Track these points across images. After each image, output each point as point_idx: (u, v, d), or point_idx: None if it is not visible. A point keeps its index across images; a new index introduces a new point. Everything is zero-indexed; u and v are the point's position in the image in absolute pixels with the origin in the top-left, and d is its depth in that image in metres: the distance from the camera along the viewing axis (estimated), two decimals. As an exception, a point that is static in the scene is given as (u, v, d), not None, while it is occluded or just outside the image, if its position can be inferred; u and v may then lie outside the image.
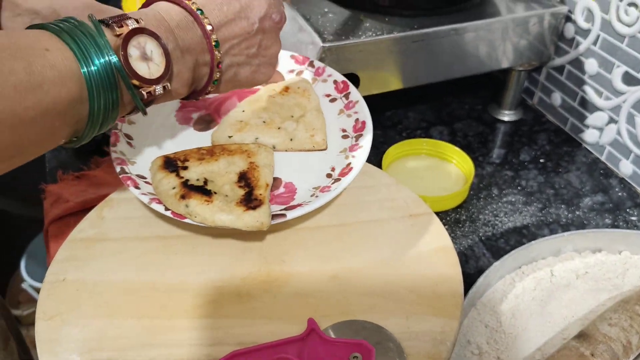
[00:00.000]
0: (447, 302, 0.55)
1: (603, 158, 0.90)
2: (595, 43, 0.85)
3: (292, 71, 0.74)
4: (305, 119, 0.68)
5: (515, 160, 0.90)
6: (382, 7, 0.83)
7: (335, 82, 0.72)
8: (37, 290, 1.29)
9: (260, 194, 0.57)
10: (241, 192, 0.58)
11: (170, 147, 0.66)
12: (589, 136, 0.91)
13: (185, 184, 0.57)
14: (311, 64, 0.74)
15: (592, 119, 0.90)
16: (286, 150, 0.67)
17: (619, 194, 0.85)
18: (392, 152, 0.84)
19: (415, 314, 0.53)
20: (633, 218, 0.81)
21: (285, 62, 0.74)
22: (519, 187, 0.84)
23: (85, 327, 0.52)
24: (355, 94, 0.70)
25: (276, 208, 0.59)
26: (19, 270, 1.60)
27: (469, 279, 0.62)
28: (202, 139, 0.68)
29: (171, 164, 0.60)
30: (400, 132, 0.95)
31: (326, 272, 0.58)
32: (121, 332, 0.51)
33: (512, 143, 0.94)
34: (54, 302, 0.54)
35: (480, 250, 0.74)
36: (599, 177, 0.87)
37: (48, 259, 0.72)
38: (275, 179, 0.63)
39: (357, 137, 0.66)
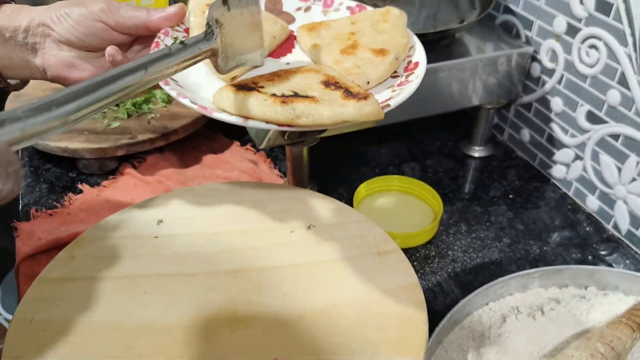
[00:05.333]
0: (411, 341, 0.55)
1: (570, 193, 0.92)
2: (560, 82, 0.87)
3: (299, 9, 0.72)
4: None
5: (484, 196, 0.92)
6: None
7: (349, 7, 0.71)
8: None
9: (359, 90, 0.53)
10: (338, 92, 0.53)
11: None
12: (557, 172, 0.94)
13: (276, 95, 0.52)
14: None
15: (559, 155, 0.92)
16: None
17: (587, 228, 0.86)
18: (363, 189, 0.86)
19: (380, 353, 0.54)
20: (601, 252, 0.82)
21: (290, 1, 0.72)
22: (488, 223, 0.86)
23: (50, 369, 0.52)
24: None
25: None
26: (-7, 303, 1.58)
27: (438, 315, 0.63)
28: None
29: (244, 87, 0.53)
30: (373, 168, 0.96)
31: (294, 312, 0.58)
32: (86, 374, 0.51)
33: (482, 179, 0.96)
34: (21, 342, 0.54)
35: (448, 286, 0.75)
36: (566, 212, 0.89)
37: (19, 297, 0.72)
38: None
39: None
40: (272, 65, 0.65)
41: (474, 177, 0.96)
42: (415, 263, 0.77)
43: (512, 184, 0.95)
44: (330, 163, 0.96)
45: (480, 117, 0.97)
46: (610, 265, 0.81)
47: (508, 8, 0.94)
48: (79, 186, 0.86)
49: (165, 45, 0.62)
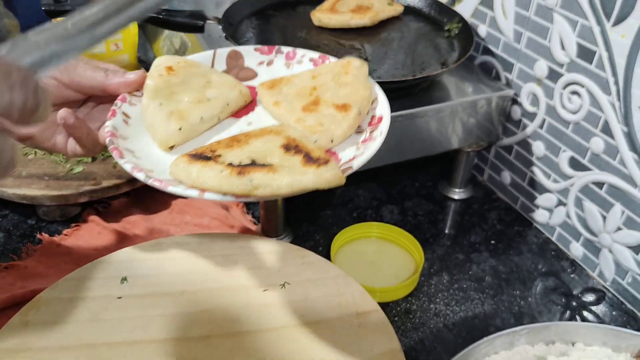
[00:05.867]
0: (395, 417, 0.52)
1: (554, 238, 0.90)
2: (541, 126, 0.85)
3: (261, 63, 0.71)
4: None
5: (465, 241, 0.89)
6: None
7: (312, 59, 0.70)
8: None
9: (319, 155, 0.51)
10: (298, 157, 0.51)
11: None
12: (539, 216, 0.91)
13: (232, 165, 0.50)
14: (279, 50, 0.71)
15: (542, 199, 0.89)
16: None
17: (571, 276, 0.84)
18: (341, 236, 0.82)
19: None
20: (586, 301, 0.80)
21: (252, 56, 0.71)
22: (470, 272, 0.83)
23: None
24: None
25: None
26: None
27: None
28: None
29: (200, 157, 0.52)
30: (351, 211, 0.93)
31: (267, 384, 0.54)
32: None
33: (462, 222, 0.93)
34: None
35: (431, 344, 0.71)
36: (550, 258, 0.87)
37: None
38: None
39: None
40: (233, 125, 0.64)
41: (454, 221, 0.93)
42: (396, 318, 0.74)
43: (494, 228, 0.92)
44: (306, 207, 0.93)
45: (460, 160, 0.95)
46: (596, 315, 0.78)
47: (487, 49, 0.92)
48: (38, 236, 0.81)
49: (123, 113, 0.60)
